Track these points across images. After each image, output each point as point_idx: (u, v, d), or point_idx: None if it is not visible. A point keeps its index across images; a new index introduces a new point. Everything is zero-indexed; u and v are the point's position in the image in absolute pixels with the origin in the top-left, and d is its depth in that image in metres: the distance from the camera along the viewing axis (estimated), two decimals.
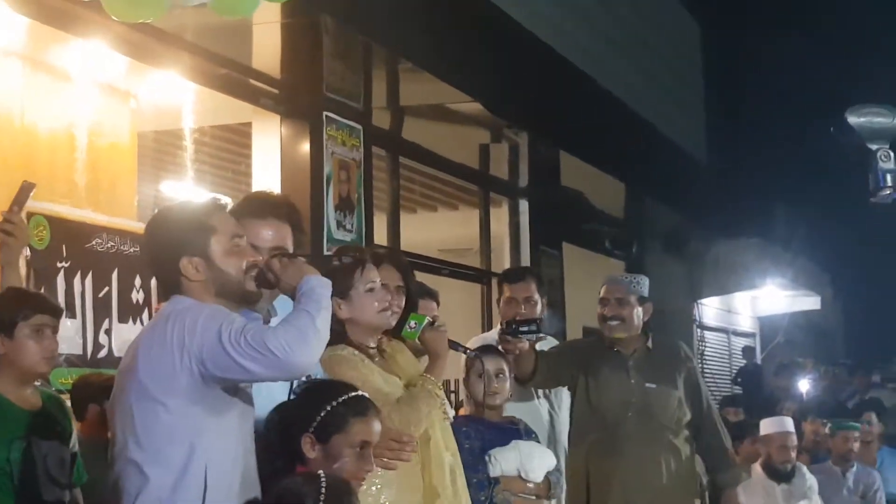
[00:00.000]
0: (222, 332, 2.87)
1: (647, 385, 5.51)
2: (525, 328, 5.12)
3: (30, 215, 5.28)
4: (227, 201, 3.26)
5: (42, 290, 5.35)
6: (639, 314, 5.55)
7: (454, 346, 3.95)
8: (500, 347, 5.08)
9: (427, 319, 3.82)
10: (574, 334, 11.78)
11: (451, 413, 4.14)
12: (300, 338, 2.86)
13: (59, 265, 5.41)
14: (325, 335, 2.97)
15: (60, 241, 5.41)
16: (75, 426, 4.00)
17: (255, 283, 3.11)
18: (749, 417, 9.23)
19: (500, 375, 4.77)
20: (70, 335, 5.41)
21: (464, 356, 4.58)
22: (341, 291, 3.60)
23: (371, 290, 3.69)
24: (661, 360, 5.62)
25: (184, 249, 3.04)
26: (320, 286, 3.02)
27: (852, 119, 3.19)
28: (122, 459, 2.98)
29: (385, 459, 3.48)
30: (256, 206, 3.48)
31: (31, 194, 4.04)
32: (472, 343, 5.28)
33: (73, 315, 5.48)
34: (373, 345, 3.77)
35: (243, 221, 3.36)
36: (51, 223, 5.36)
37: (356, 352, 3.67)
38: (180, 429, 2.91)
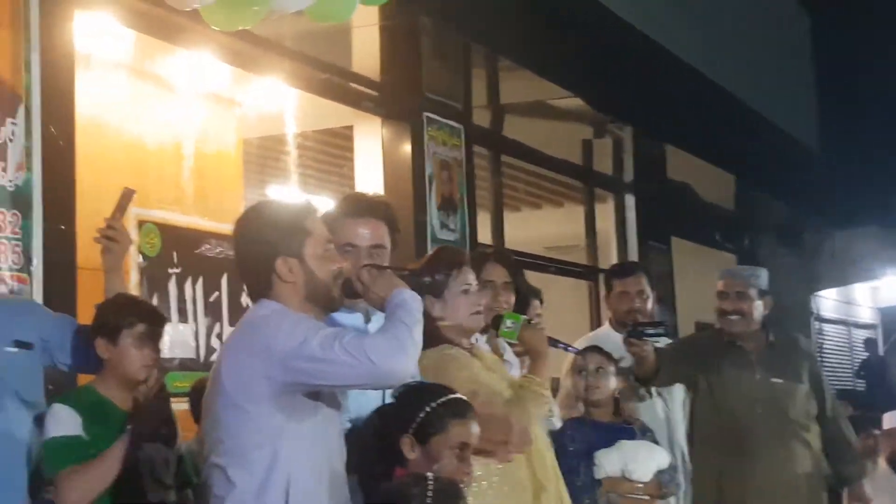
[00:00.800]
0: (312, 339, 2.88)
1: (774, 380, 5.37)
2: (651, 330, 5.06)
3: (141, 223, 5.46)
4: (319, 205, 3.28)
5: (155, 297, 5.51)
6: (759, 308, 5.41)
7: (554, 343, 3.89)
8: (625, 348, 5.02)
9: (523, 318, 3.79)
10: (686, 330, 11.66)
11: (557, 412, 4.11)
12: (399, 347, 2.87)
13: (170, 271, 5.56)
14: (420, 347, 2.97)
15: (171, 248, 5.55)
16: (179, 429, 4.07)
17: (344, 293, 3.11)
18: (872, 411, 9.03)
19: (601, 371, 4.71)
20: (183, 339, 5.56)
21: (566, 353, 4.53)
22: (436, 291, 3.61)
23: (465, 291, 3.66)
24: (784, 353, 5.48)
25: (280, 249, 3.03)
26: (412, 300, 3.01)
27: None
28: (209, 463, 3.02)
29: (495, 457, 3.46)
30: (354, 206, 3.51)
31: (132, 200, 4.13)
32: (580, 343, 5.25)
33: (185, 320, 5.62)
34: (466, 346, 3.74)
35: (341, 221, 3.40)
36: (161, 231, 5.50)
37: (466, 352, 3.67)
38: (263, 434, 2.92)
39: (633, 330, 5.08)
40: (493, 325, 3.79)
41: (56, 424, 3.60)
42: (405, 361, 2.90)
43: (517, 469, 3.61)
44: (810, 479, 5.39)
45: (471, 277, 3.70)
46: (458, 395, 3.18)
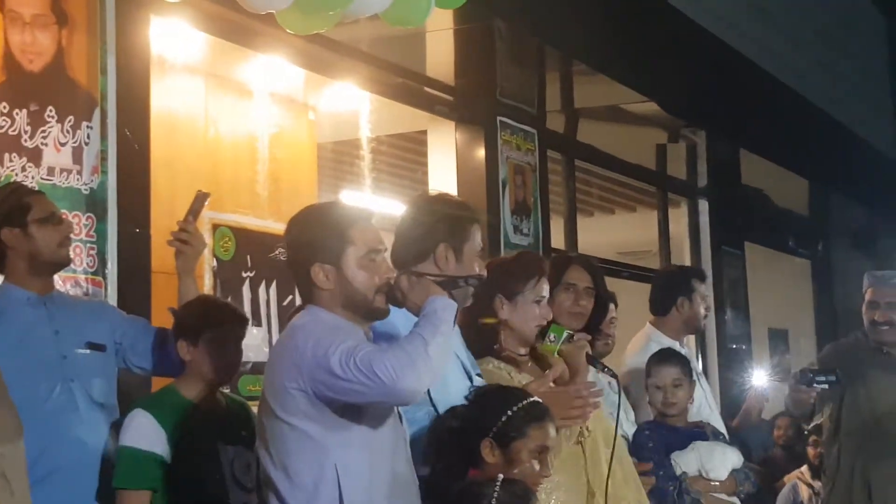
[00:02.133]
0: (332, 354, 2.80)
1: None
2: (822, 378, 5.10)
3: (215, 226, 5.46)
4: (373, 211, 3.18)
5: (228, 300, 5.51)
6: None
7: (592, 361, 3.85)
8: (790, 396, 5.23)
9: (567, 333, 3.72)
10: (759, 336, 11.54)
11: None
12: (408, 363, 2.76)
13: (244, 275, 5.56)
14: (439, 361, 2.86)
15: (245, 252, 5.56)
16: None
17: (387, 300, 3.03)
18: None
19: (678, 385, 4.69)
20: (256, 343, 5.55)
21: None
22: (509, 293, 3.56)
23: (538, 302, 3.62)
24: None
25: (318, 255, 2.97)
26: (443, 309, 2.91)
27: None
28: (263, 475, 2.99)
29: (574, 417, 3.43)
30: (473, 212, 3.55)
31: (206, 203, 4.11)
32: (634, 352, 5.18)
33: (258, 323, 5.62)
34: (523, 352, 3.70)
35: (473, 227, 3.43)
36: (235, 234, 5.51)
37: (503, 364, 3.63)
38: (305, 446, 2.87)
39: (802, 375, 5.16)
40: (540, 336, 3.72)
41: (135, 433, 3.59)
42: (415, 379, 2.78)
43: (576, 476, 3.60)
44: None
45: (545, 290, 3.66)
46: (536, 399, 3.16)
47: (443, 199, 3.63)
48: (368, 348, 2.84)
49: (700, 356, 9.99)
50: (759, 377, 10.30)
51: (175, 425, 3.62)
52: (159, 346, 3.83)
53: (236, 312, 3.90)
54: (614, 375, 4.10)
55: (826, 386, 5.09)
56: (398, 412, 3.10)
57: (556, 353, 3.69)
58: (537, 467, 3.06)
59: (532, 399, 3.13)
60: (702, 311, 5.38)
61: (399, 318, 3.15)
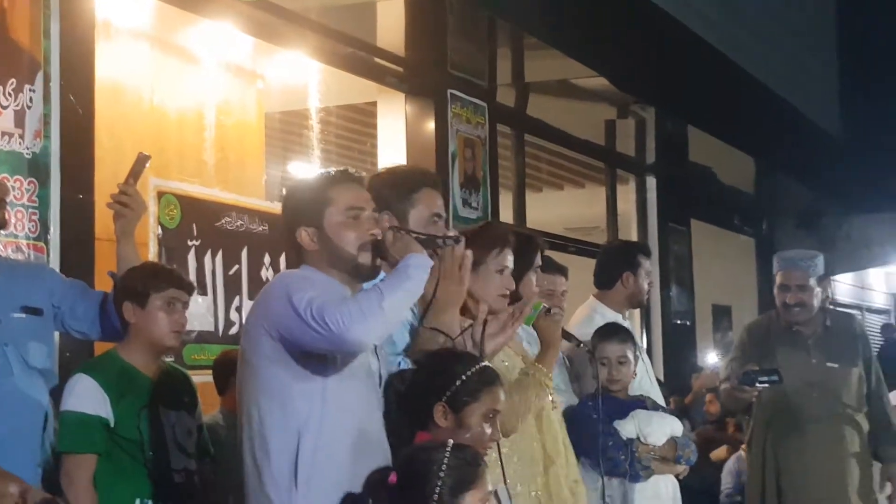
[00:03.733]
0: (298, 301, 2.85)
1: (829, 364, 5.48)
2: (765, 378, 5.17)
3: (160, 194, 5.39)
4: (360, 174, 3.21)
5: (174, 268, 5.46)
6: (818, 294, 5.54)
7: (567, 336, 3.85)
8: (731, 394, 5.35)
9: (543, 306, 3.73)
10: (703, 312, 11.65)
11: (560, 401, 4.09)
12: (359, 315, 2.79)
13: (189, 243, 5.50)
14: (394, 316, 2.89)
15: (191, 220, 5.49)
16: (199, 400, 4.04)
17: (375, 255, 3.06)
18: None
19: (623, 361, 4.73)
20: (201, 312, 5.51)
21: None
22: (473, 263, 3.54)
23: (500, 272, 3.60)
24: (840, 337, 5.57)
25: (301, 219, 3.04)
26: (416, 266, 2.93)
27: None
28: (239, 422, 3.06)
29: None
30: (434, 178, 3.54)
31: (147, 166, 4.06)
32: (577, 324, 5.20)
33: (204, 292, 5.57)
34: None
35: (422, 192, 3.39)
36: (181, 202, 5.44)
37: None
38: (271, 391, 2.92)
39: (745, 377, 5.21)
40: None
41: (78, 398, 3.57)
42: (363, 331, 2.81)
43: (528, 442, 3.61)
44: (860, 459, 5.48)
45: (509, 260, 3.64)
46: (487, 364, 3.16)
47: (394, 168, 3.66)
48: (327, 298, 2.87)
49: (644, 331, 10.07)
50: (711, 356, 10.40)
51: (118, 389, 3.60)
52: (101, 310, 3.79)
53: (182, 278, 3.89)
54: (590, 351, 4.11)
55: (767, 385, 5.18)
56: (379, 374, 3.12)
57: (531, 326, 3.71)
58: (488, 431, 3.06)
59: (484, 364, 3.13)
60: (645, 286, 5.40)
61: None
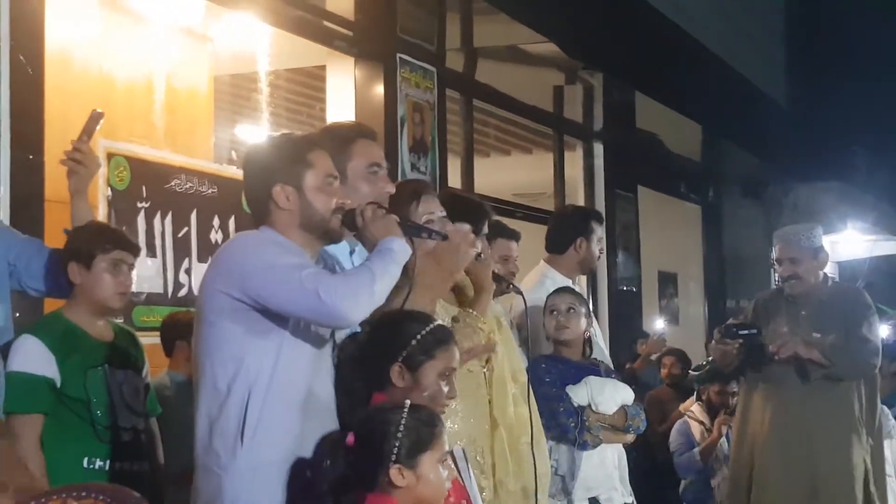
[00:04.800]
0: (278, 266, 2.93)
1: (814, 335, 5.64)
2: (745, 331, 5.58)
3: (110, 155, 5.39)
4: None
5: (123, 230, 5.46)
6: (814, 266, 5.73)
7: (498, 279, 3.89)
8: (716, 349, 5.71)
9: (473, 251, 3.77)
10: (649, 279, 11.75)
11: (499, 347, 4.11)
12: (351, 293, 2.90)
13: (139, 205, 5.50)
14: (381, 298, 2.98)
15: (140, 182, 5.50)
16: (146, 360, 4.07)
17: (342, 223, 3.13)
18: None
19: (572, 311, 4.77)
20: (150, 274, 5.52)
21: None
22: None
23: (430, 221, 3.61)
24: (834, 308, 5.71)
25: (279, 177, 3.08)
26: (401, 251, 3.04)
27: None
28: (195, 379, 3.09)
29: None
30: (369, 131, 3.58)
31: (100, 123, 4.08)
32: (527, 289, 5.26)
33: (153, 254, 5.58)
34: None
35: (365, 143, 3.44)
36: (130, 164, 5.44)
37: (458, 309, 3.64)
38: (226, 348, 2.98)
39: (727, 330, 5.60)
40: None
41: (24, 358, 3.58)
42: (355, 309, 2.93)
43: (479, 404, 3.63)
44: (844, 425, 5.62)
45: (433, 206, 3.65)
46: (441, 323, 3.21)
47: (328, 125, 3.72)
48: (317, 270, 2.99)
49: (591, 297, 10.16)
50: (658, 322, 10.50)
51: (63, 349, 3.63)
52: (56, 268, 3.81)
53: (128, 239, 3.91)
54: (519, 291, 4.17)
55: (747, 336, 5.53)
56: (333, 339, 3.18)
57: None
58: (445, 389, 3.12)
59: (438, 323, 3.18)
60: (597, 252, 5.48)
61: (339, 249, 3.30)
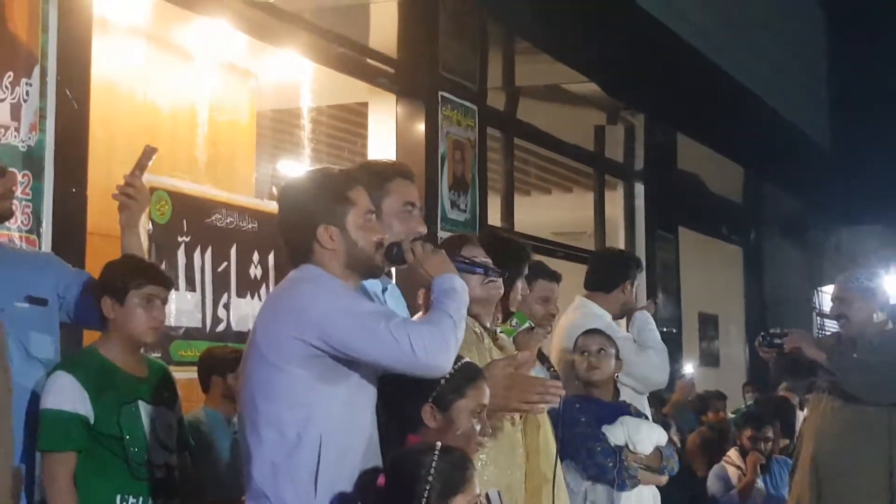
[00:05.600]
0: (361, 313, 2.93)
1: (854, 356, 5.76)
2: (778, 340, 5.74)
3: (152, 190, 5.40)
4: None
5: (163, 264, 5.49)
6: (864, 306, 5.73)
7: (542, 358, 3.87)
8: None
9: (528, 324, 3.77)
10: (689, 320, 11.69)
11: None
12: (443, 343, 2.91)
13: (179, 239, 5.52)
14: (461, 342, 3.00)
15: (181, 216, 5.52)
16: (179, 394, 4.06)
17: (388, 259, 3.14)
18: None
19: (602, 352, 4.77)
20: (189, 309, 5.52)
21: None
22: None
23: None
24: (885, 348, 5.69)
25: (323, 217, 3.07)
26: (462, 291, 3.05)
27: None
28: (243, 422, 3.04)
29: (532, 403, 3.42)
30: (404, 169, 3.56)
31: (153, 159, 4.10)
32: (570, 323, 5.25)
33: (192, 289, 5.59)
34: (488, 323, 3.70)
35: (400, 182, 3.45)
36: (172, 198, 5.47)
37: (476, 323, 3.62)
38: (295, 394, 2.93)
39: (763, 338, 5.75)
40: (504, 318, 3.76)
41: (58, 395, 3.56)
42: (447, 358, 2.93)
43: (512, 452, 3.61)
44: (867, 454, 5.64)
45: (477, 251, 3.65)
46: (469, 360, 3.19)
47: (367, 161, 3.71)
48: (402, 318, 2.97)
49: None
50: (688, 367, 10.44)
51: (97, 386, 3.61)
52: (86, 296, 3.81)
53: (162, 273, 3.90)
54: (557, 376, 4.14)
55: (780, 344, 5.66)
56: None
57: (511, 338, 3.74)
58: (478, 427, 3.09)
59: (466, 360, 3.16)
60: (634, 297, 5.54)
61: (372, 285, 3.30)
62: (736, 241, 13.63)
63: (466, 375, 3.11)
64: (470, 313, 3.37)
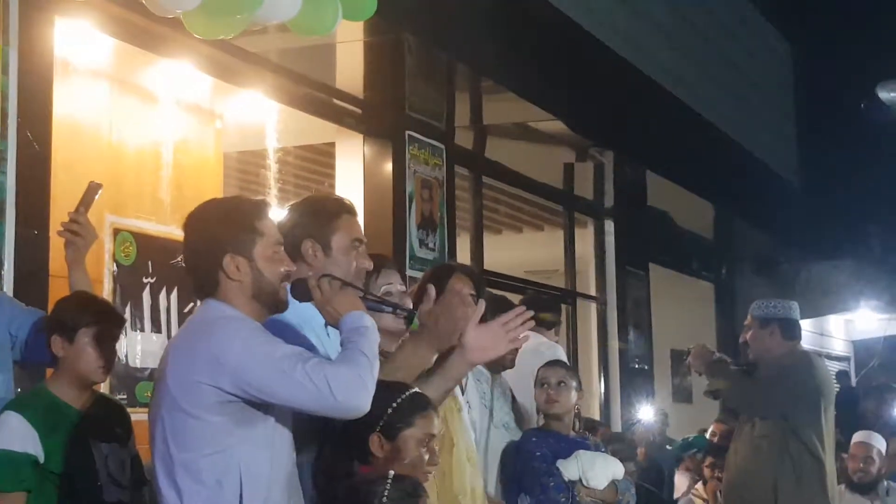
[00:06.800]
0: (275, 357, 2.84)
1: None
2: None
3: (116, 231, 5.42)
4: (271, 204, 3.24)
5: (128, 306, 5.47)
6: (761, 334, 6.12)
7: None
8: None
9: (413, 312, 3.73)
10: (661, 357, 11.69)
11: (465, 406, 4.07)
12: (361, 384, 2.85)
13: (144, 281, 5.51)
14: (376, 379, 2.93)
15: (146, 258, 5.51)
16: (133, 430, 4.02)
17: (294, 295, 3.08)
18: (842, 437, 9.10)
19: (562, 384, 4.76)
20: (155, 350, 5.50)
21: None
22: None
23: (389, 293, 3.60)
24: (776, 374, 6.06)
25: (229, 247, 2.99)
26: (373, 328, 2.99)
27: (883, 94, 3.18)
28: (156, 470, 2.95)
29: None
30: (349, 205, 3.53)
31: (98, 195, 4.09)
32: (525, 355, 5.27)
33: (158, 330, 5.58)
34: (392, 349, 3.61)
35: (346, 218, 3.42)
36: (137, 239, 5.46)
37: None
38: (212, 440, 2.86)
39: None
40: (408, 321, 3.71)
41: (7, 435, 3.53)
42: (365, 398, 2.86)
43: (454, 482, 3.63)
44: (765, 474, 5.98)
45: (392, 278, 3.66)
46: (416, 390, 3.17)
47: (309, 198, 3.66)
48: (317, 358, 2.89)
49: (602, 375, 10.11)
50: (645, 412, 10.38)
51: (47, 424, 3.58)
52: (38, 335, 3.77)
53: (112, 310, 3.88)
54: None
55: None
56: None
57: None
58: (426, 456, 3.08)
59: (414, 390, 3.15)
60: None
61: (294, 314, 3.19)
62: (707, 277, 13.66)
63: (416, 405, 3.10)
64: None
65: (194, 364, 2.87)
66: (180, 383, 2.88)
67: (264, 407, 2.90)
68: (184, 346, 2.96)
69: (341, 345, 3.00)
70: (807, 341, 18.40)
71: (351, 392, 2.82)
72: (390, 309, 3.25)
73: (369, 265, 3.45)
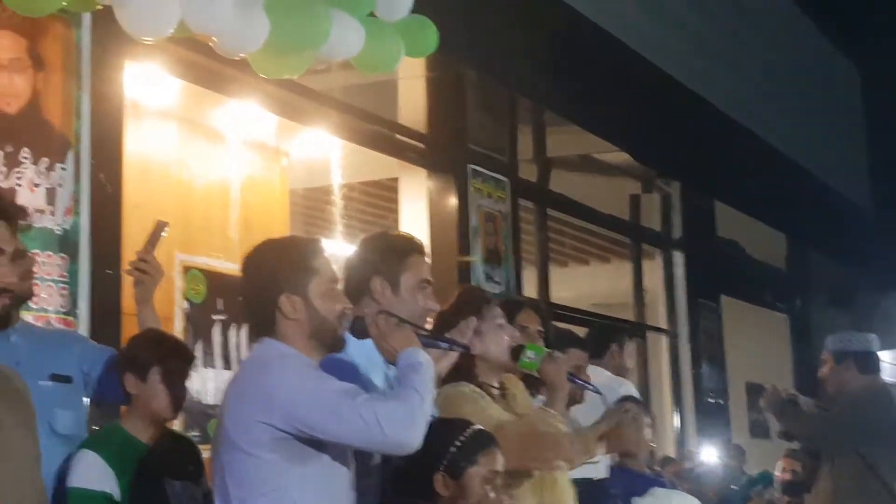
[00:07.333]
0: (327, 393, 2.87)
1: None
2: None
3: (186, 269, 5.51)
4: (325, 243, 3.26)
5: (199, 343, 5.54)
6: (838, 369, 6.12)
7: (572, 378, 3.85)
8: None
9: (546, 351, 3.76)
10: (736, 391, 11.54)
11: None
12: (411, 420, 2.84)
13: (214, 318, 5.59)
14: (429, 417, 2.93)
15: (216, 295, 5.59)
16: (205, 468, 4.06)
17: (353, 332, 3.10)
18: None
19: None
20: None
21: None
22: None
23: (500, 325, 3.65)
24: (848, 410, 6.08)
25: (284, 286, 3.01)
26: (427, 365, 2.98)
27: None
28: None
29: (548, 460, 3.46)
30: (419, 245, 3.58)
31: (165, 233, 4.16)
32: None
33: (228, 367, 5.64)
34: (496, 384, 3.71)
35: (416, 258, 3.46)
36: (207, 277, 5.54)
37: (477, 388, 3.62)
38: (266, 478, 2.88)
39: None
40: (514, 357, 3.73)
41: (84, 474, 3.57)
42: (415, 435, 2.85)
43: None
44: None
45: (498, 311, 3.69)
46: (480, 427, 3.17)
47: (381, 234, 3.71)
48: (367, 395, 2.91)
49: (677, 409, 10.02)
50: (709, 454, 10.25)
51: (122, 463, 3.61)
52: (111, 373, 3.84)
53: (184, 347, 3.92)
54: (597, 391, 4.14)
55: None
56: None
57: (535, 371, 3.72)
58: (491, 495, 3.07)
59: (477, 427, 3.14)
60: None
61: (360, 353, 3.22)
62: (781, 309, 13.48)
63: (479, 443, 3.09)
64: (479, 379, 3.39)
65: (248, 402, 2.90)
66: (235, 422, 2.92)
67: (318, 444, 2.91)
68: (239, 384, 3.01)
69: (396, 381, 3.03)
70: (886, 373, 18.16)
71: (400, 428, 2.81)
72: (446, 345, 3.25)
73: (435, 306, 3.48)
